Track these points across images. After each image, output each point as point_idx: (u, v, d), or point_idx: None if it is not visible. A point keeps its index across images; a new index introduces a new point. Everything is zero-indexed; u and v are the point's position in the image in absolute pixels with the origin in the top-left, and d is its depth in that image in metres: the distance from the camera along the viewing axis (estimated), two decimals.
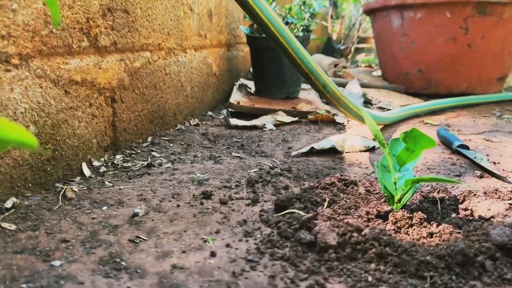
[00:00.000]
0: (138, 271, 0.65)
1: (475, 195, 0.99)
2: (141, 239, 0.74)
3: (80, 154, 1.05)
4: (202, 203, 0.91)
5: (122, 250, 0.70)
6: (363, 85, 2.56)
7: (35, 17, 0.89)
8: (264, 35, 1.71)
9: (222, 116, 1.89)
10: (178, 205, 0.89)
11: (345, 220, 0.73)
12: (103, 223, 0.80)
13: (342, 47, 4.80)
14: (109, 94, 1.16)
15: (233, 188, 1.01)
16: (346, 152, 1.40)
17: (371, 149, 1.43)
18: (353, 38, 4.59)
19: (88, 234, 0.76)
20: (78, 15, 1.02)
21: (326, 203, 0.87)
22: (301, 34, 2.04)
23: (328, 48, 4.81)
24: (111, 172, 1.08)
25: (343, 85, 2.54)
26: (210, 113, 1.95)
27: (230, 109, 1.89)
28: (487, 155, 1.37)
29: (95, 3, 1.07)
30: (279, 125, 1.81)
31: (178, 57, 1.58)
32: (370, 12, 2.84)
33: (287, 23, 2.04)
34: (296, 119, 1.86)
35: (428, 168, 1.24)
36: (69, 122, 1.01)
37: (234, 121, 1.72)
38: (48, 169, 0.95)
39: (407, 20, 2.50)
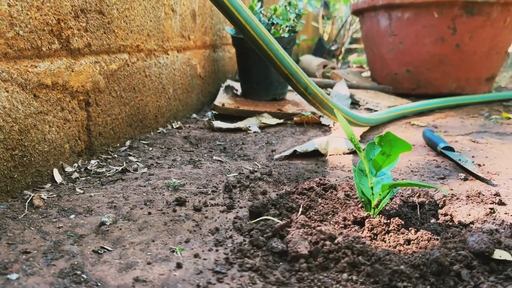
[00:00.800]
0: (99, 284, 0.61)
1: (457, 198, 0.97)
2: (106, 250, 0.71)
3: (51, 160, 1.02)
4: (174, 210, 0.88)
5: (85, 262, 0.67)
6: (351, 86, 2.54)
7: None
8: None
9: (206, 119, 1.85)
10: (149, 213, 0.86)
11: (318, 228, 0.71)
12: (68, 233, 0.77)
13: (333, 48, 4.78)
14: (83, 97, 1.12)
15: (209, 194, 0.98)
16: (329, 155, 1.37)
17: (355, 152, 1.40)
18: (344, 38, 4.57)
19: (51, 245, 0.72)
20: (48, 16, 0.98)
21: (301, 210, 0.84)
22: (286, 35, 2.01)
23: (319, 48, 4.79)
24: (84, 178, 1.05)
25: (331, 86, 2.52)
26: (194, 115, 1.92)
27: (214, 111, 1.86)
28: (473, 156, 1.35)
29: (66, 4, 1.04)
30: (264, 127, 1.78)
31: (159, 58, 1.55)
32: (358, 12, 2.82)
33: (272, 24, 2.01)
34: (281, 121, 1.84)
35: (412, 171, 1.21)
36: (39, 127, 0.97)
37: (217, 124, 1.69)
38: (16, 176, 0.91)
39: (395, 21, 2.48)
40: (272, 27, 2.02)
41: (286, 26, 2.01)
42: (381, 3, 2.50)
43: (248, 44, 1.96)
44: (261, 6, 2.08)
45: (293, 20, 2.02)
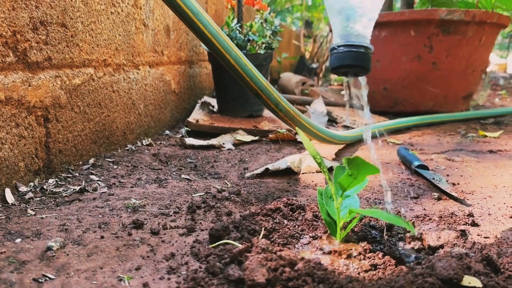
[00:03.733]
0: None
1: (430, 219, 0.93)
2: (47, 278, 0.65)
3: (3, 179, 0.96)
4: (130, 234, 0.82)
5: None
6: (329, 104, 2.52)
7: None
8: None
9: (179, 136, 1.81)
10: (102, 237, 0.80)
11: (279, 253, 0.66)
12: (10, 259, 0.71)
13: (314, 66, 4.80)
14: (42, 113, 1.07)
15: (171, 215, 0.93)
16: (302, 173, 1.33)
17: (329, 169, 1.36)
18: (325, 57, 4.59)
19: None
20: (2, 28, 0.93)
21: (262, 233, 0.79)
22: (262, 51, 1.99)
23: (301, 66, 4.80)
24: (38, 199, 0.99)
25: (309, 103, 2.50)
26: (167, 132, 1.87)
27: (187, 128, 1.82)
28: (448, 175, 1.32)
29: (24, 16, 0.99)
30: (238, 144, 1.74)
31: (129, 73, 1.51)
32: None
33: (248, 41, 1.99)
34: (256, 138, 1.80)
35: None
36: None
37: (190, 141, 1.64)
38: None
39: (372, 39, 2.47)
40: (249, 44, 2.00)
41: (262, 43, 1.99)
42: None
43: None
44: (238, 22, 2.06)
45: (269, 36, 2.00)
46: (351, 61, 0.85)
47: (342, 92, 3.11)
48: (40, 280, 0.65)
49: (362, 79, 0.89)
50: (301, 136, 0.77)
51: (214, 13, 2.54)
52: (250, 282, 0.61)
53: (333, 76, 5.40)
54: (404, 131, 2.11)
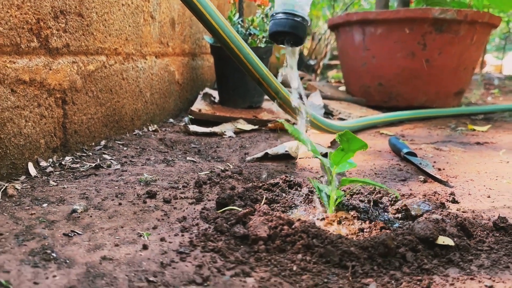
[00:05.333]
0: (67, 261, 0.65)
1: (414, 196, 1.03)
2: (76, 233, 0.75)
3: (27, 153, 1.05)
4: (145, 202, 0.92)
5: (55, 243, 0.71)
6: (325, 97, 2.62)
7: None
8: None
9: (183, 123, 1.90)
10: (120, 204, 0.90)
11: (277, 214, 0.76)
12: (40, 219, 0.80)
13: (312, 63, 4.89)
14: (60, 95, 1.16)
15: (180, 189, 1.02)
16: (299, 158, 1.43)
17: (324, 155, 1.46)
18: (322, 54, 4.69)
19: (23, 228, 0.75)
20: (28, 15, 1.02)
21: (264, 200, 0.89)
22: (263, 45, 2.08)
23: (299, 63, 4.90)
24: (58, 173, 1.08)
25: (306, 96, 2.59)
26: (171, 120, 1.96)
27: (191, 116, 1.91)
28: (434, 162, 1.42)
29: (46, 4, 1.08)
30: (239, 132, 1.83)
31: (137, 62, 1.60)
32: (334, 27, 2.92)
33: (250, 35, 2.08)
34: (256, 127, 1.89)
35: (376, 173, 1.28)
36: (15, 121, 1.00)
37: (193, 128, 1.73)
38: None
39: (368, 36, 2.58)
40: (250, 38, 2.09)
41: (263, 37, 2.08)
42: (355, 19, 2.60)
43: (226, 52, 2.02)
44: (239, 17, 2.14)
45: None
46: (287, 29, 0.90)
47: (340, 88, 3.21)
48: (69, 234, 0.74)
49: (292, 49, 0.95)
50: (286, 125, 0.87)
51: (216, 7, 2.63)
52: (254, 236, 0.71)
53: (331, 73, 5.50)
54: (397, 124, 2.21)
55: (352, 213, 0.85)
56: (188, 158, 1.36)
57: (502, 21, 2.69)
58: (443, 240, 0.73)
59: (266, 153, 1.39)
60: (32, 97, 1.06)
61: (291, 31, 0.89)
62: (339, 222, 0.82)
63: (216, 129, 1.78)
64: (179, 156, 1.38)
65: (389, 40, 2.52)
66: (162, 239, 0.74)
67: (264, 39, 2.09)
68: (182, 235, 0.76)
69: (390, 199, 0.99)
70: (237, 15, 2.09)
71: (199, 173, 1.17)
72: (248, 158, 1.40)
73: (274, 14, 0.89)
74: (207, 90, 2.38)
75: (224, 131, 1.78)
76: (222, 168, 1.23)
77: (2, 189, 0.91)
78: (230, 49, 1.18)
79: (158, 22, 1.75)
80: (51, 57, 1.12)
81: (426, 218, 0.81)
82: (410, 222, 0.86)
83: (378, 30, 2.54)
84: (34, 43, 1.06)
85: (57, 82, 1.14)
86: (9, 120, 0.98)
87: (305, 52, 5.41)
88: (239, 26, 2.08)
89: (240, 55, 1.19)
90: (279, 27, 0.88)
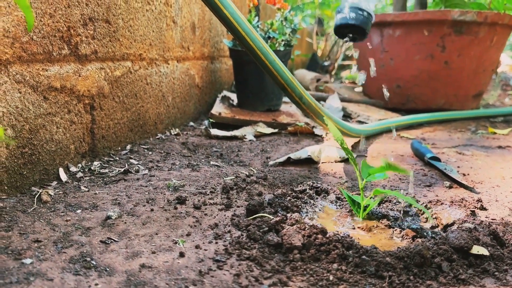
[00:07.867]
0: (107, 269, 0.66)
1: (442, 203, 1.03)
2: (113, 240, 0.76)
3: (58, 159, 1.07)
4: (176, 208, 0.93)
5: (93, 250, 0.72)
6: (343, 100, 2.61)
7: (16, 24, 0.91)
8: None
9: (204, 127, 1.91)
10: (152, 210, 0.91)
11: (311, 223, 0.76)
12: (76, 225, 0.82)
13: (326, 64, 4.88)
14: (88, 101, 1.18)
15: (208, 194, 1.04)
16: (322, 163, 1.43)
17: (346, 160, 1.46)
18: (337, 54, 4.67)
19: (60, 235, 0.77)
20: (59, 23, 1.04)
21: (295, 208, 0.89)
22: (282, 48, 2.08)
23: (313, 64, 4.89)
24: (88, 178, 1.10)
25: (324, 99, 2.59)
26: (191, 123, 1.98)
27: (211, 120, 1.92)
28: (458, 167, 1.42)
29: (76, 12, 1.10)
30: (259, 136, 1.84)
31: (160, 67, 1.61)
32: None
33: (269, 38, 2.09)
34: (276, 130, 1.90)
35: (400, 179, 1.28)
36: (47, 128, 1.02)
37: (214, 131, 1.75)
38: (25, 172, 0.96)
39: (386, 38, 2.57)
40: (269, 41, 2.10)
41: (282, 40, 2.09)
42: (373, 21, 2.59)
43: (245, 56, 2.03)
44: (258, 21, 2.15)
45: (289, 34, 2.10)
46: (354, 21, 0.92)
47: (356, 89, 3.20)
48: (106, 242, 0.75)
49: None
50: (329, 126, 0.88)
51: None
52: (289, 245, 0.72)
53: (344, 74, 5.48)
54: (416, 127, 2.20)
55: (382, 221, 0.85)
56: (211, 162, 1.37)
57: None
58: (477, 249, 0.73)
59: (289, 158, 1.40)
60: (63, 104, 1.08)
61: (360, 25, 0.91)
62: (370, 230, 0.82)
63: (236, 132, 1.79)
64: (203, 160, 1.40)
65: (407, 42, 2.51)
66: (197, 247, 0.75)
67: (283, 42, 2.09)
68: (216, 243, 0.77)
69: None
70: (256, 18, 2.10)
71: (224, 178, 1.18)
72: (271, 162, 1.41)
73: (341, 8, 0.92)
74: (225, 92, 2.39)
75: (245, 135, 1.79)
76: (247, 173, 1.24)
77: (36, 196, 0.93)
78: (255, 55, 1.19)
79: (180, 26, 1.77)
80: (80, 63, 1.14)
81: (458, 227, 0.81)
82: (441, 230, 0.86)
83: (397, 32, 2.53)
84: (65, 51, 1.07)
85: (86, 89, 1.16)
86: (42, 127, 1.00)
87: (319, 53, 5.41)
88: (258, 29, 2.08)
89: (266, 61, 1.19)
90: (350, 20, 0.90)
